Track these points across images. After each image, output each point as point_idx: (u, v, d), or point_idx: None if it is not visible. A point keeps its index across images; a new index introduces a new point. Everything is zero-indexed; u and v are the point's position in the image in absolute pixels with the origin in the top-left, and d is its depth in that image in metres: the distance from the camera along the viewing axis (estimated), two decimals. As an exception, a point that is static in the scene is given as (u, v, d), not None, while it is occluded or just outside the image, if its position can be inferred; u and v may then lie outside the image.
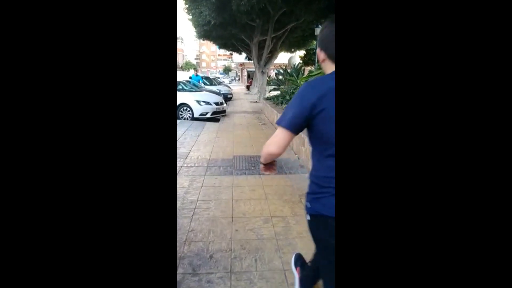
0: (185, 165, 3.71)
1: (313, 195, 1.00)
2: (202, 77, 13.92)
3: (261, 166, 1.16)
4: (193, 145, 4.75)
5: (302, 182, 3.20)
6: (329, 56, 1.01)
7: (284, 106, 6.57)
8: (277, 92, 8.34)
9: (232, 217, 2.41)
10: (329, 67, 1.02)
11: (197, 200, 2.70)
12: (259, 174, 3.40)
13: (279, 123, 0.98)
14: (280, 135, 0.96)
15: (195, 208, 2.54)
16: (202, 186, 3.03)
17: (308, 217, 1.03)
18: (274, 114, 6.49)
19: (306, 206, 1.03)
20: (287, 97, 6.88)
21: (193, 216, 2.40)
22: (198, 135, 5.48)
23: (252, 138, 5.37)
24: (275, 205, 2.66)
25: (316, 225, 1.01)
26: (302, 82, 6.81)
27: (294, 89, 7.09)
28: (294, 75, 8.09)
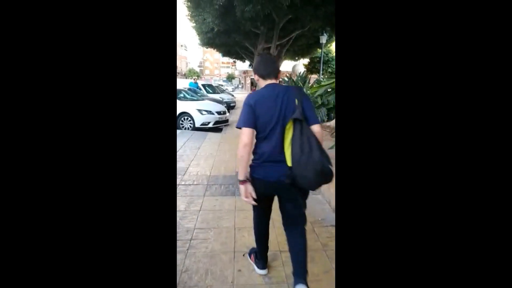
0: (183, 182, 3.36)
1: (255, 165, 1.47)
2: (204, 85, 13.71)
3: (240, 187, 1.47)
4: (192, 158, 4.41)
5: (313, 205, 2.83)
6: (260, 76, 1.49)
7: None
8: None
9: (235, 252, 2.05)
10: (262, 83, 1.49)
11: (194, 228, 2.34)
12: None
13: (239, 125, 1.42)
14: (245, 132, 1.39)
15: (191, 239, 2.18)
16: (200, 210, 2.67)
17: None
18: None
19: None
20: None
21: (188, 251, 2.04)
22: (199, 148, 5.14)
23: (256, 151, 5.02)
24: (284, 235, 2.28)
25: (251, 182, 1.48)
26: (309, 92, 6.48)
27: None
28: (300, 83, 7.77)
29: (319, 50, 13.90)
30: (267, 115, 1.38)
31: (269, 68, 1.48)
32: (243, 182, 1.44)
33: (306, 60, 18.86)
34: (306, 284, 1.51)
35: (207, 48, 15.15)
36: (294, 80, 8.50)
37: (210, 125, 7.31)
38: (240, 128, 1.41)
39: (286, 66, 19.74)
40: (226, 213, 2.63)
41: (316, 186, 1.41)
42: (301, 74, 8.94)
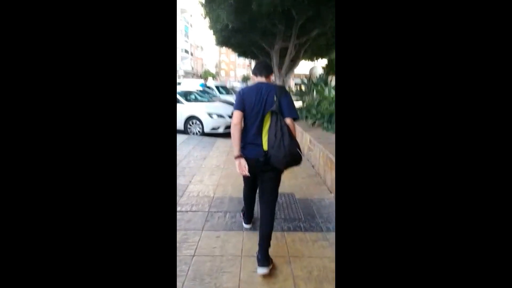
0: (179, 208, 2.67)
1: (242, 146, 1.85)
2: (218, 86, 13.22)
3: (236, 162, 1.85)
4: (195, 173, 3.73)
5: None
6: (254, 74, 1.97)
7: (310, 121, 5.46)
8: (299, 104, 7.12)
9: None
10: (255, 80, 1.94)
11: (181, 290, 1.63)
12: (281, 229, 2.31)
13: (234, 108, 1.85)
14: (236, 113, 1.82)
15: (173, 313, 1.47)
16: (194, 255, 1.97)
17: None
18: (300, 133, 5.33)
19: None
20: (313, 111, 5.76)
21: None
22: (205, 158, 4.46)
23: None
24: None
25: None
26: (331, 95, 5.71)
27: (319, 101, 5.99)
28: (321, 84, 6.96)
29: (340, 51, 13.01)
30: (251, 105, 1.80)
31: (260, 69, 1.93)
32: (237, 157, 1.82)
33: (324, 62, 17.97)
34: (267, 266, 1.75)
35: (222, 47, 14.64)
36: (314, 82, 7.72)
37: (221, 130, 6.64)
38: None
39: (303, 68, 18.87)
40: (229, 262, 1.91)
41: (285, 165, 1.75)
42: (321, 76, 8.17)
